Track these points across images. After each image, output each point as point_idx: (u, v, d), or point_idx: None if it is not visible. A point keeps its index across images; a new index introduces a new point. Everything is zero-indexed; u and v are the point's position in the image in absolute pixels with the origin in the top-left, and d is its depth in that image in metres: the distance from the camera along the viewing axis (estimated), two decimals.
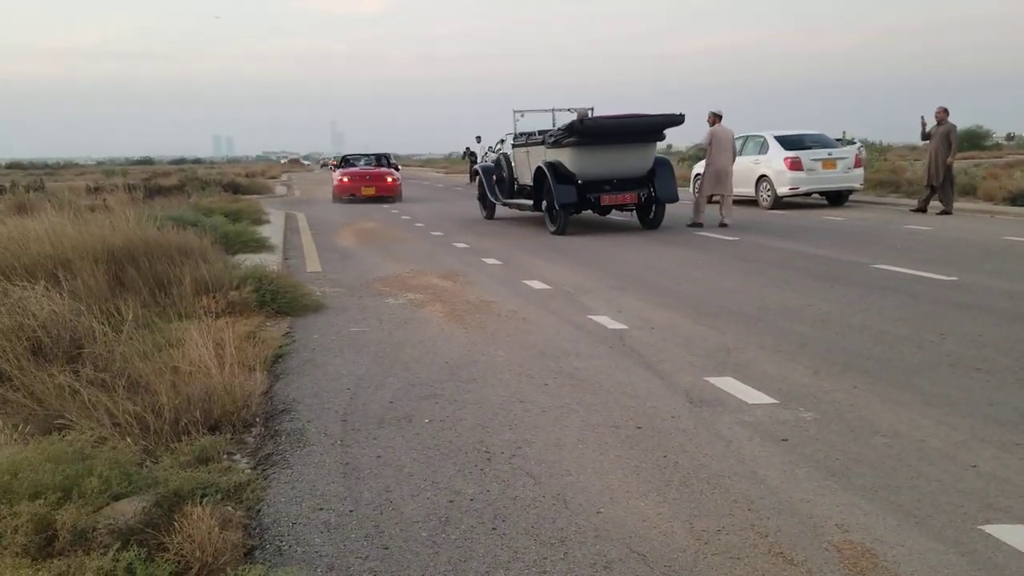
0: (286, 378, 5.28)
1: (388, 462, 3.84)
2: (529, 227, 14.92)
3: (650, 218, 14.07)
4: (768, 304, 7.20)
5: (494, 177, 16.36)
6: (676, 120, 13.34)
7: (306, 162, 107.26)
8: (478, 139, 25.52)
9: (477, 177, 17.60)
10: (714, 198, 14.87)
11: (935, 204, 15.81)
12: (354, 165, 26.74)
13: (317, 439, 4.17)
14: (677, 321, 6.61)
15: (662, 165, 13.72)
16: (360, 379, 5.20)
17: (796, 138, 17.78)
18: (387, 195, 23.86)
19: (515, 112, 16.51)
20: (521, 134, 15.62)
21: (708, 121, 14.31)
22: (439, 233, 14.42)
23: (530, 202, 14.63)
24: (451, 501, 3.39)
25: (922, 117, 15.51)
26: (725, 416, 4.29)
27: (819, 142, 17.87)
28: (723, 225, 13.77)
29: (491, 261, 10.46)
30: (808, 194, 17.69)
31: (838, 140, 20.48)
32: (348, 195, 23.79)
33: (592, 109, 15.66)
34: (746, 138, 18.79)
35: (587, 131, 13.02)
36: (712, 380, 4.92)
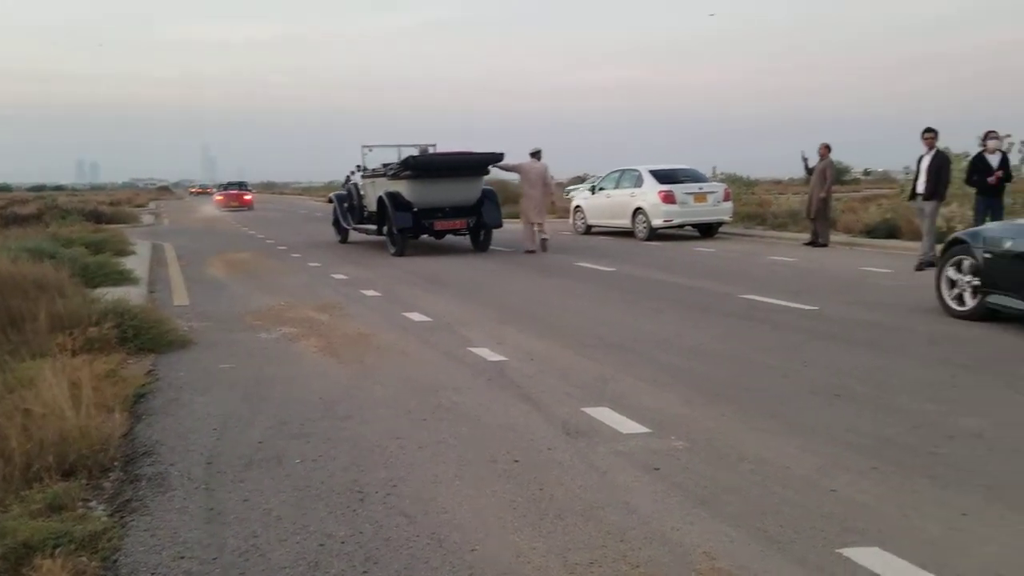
0: (148, 419, 5.02)
1: (255, 506, 3.68)
2: (414, 258, 14.84)
3: (480, 241, 15.92)
4: (644, 334, 7.37)
5: (345, 205, 18.30)
6: (497, 158, 15.56)
7: (202, 187, 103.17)
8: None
9: (332, 204, 19.40)
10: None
11: (804, 235, 16.62)
12: (228, 189, 47.15)
13: (180, 483, 3.97)
14: (556, 352, 6.67)
15: (489, 195, 15.64)
16: (228, 418, 5.00)
17: (669, 172, 18.40)
18: (245, 206, 42.86)
19: (363, 147, 17.94)
20: (385, 165, 16.61)
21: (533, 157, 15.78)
22: (316, 264, 14.15)
23: (375, 227, 16.41)
24: (321, 545, 3.27)
25: (802, 152, 16.21)
26: (600, 447, 4.33)
27: (691, 176, 18.56)
28: (530, 252, 15.19)
29: (370, 293, 10.31)
30: (681, 226, 18.33)
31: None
32: (224, 205, 43.01)
33: (434, 145, 17.40)
34: (622, 172, 19.34)
35: (420, 166, 14.96)
36: (589, 411, 4.96)
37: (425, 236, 15.94)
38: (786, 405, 5.07)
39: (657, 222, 17.64)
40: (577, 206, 20.81)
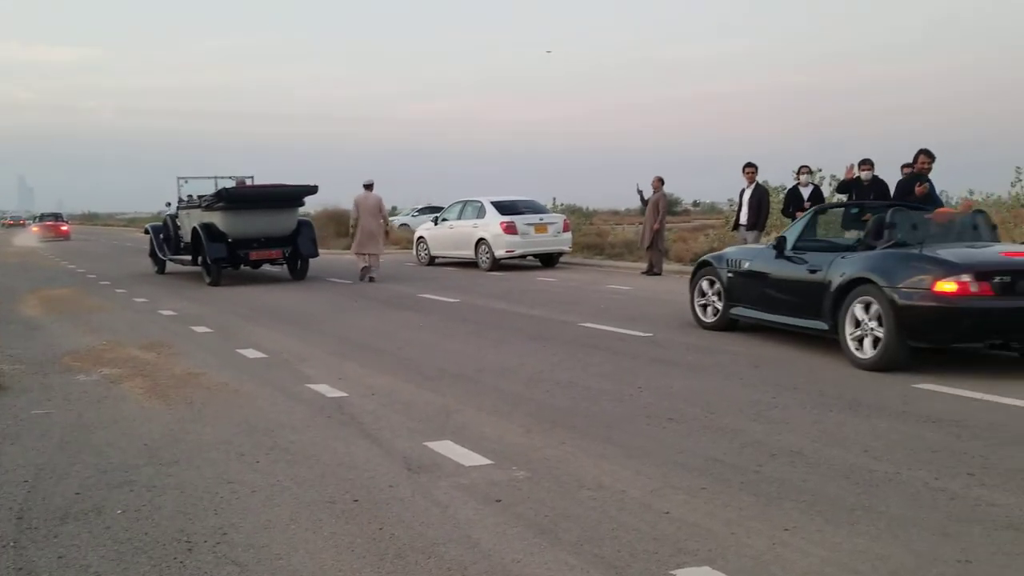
0: None
1: (71, 563, 3.40)
2: (250, 291, 14.33)
3: (298, 270, 16.52)
4: (486, 365, 7.40)
5: (162, 236, 18.55)
6: (311, 190, 16.43)
7: (14, 219, 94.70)
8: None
9: (149, 235, 19.58)
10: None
11: (640, 265, 17.25)
12: (44, 220, 49.40)
13: None
14: (399, 386, 6.59)
15: (305, 226, 16.48)
16: (41, 469, 4.61)
17: (510, 203, 18.73)
18: (62, 236, 44.35)
19: (179, 178, 18.41)
20: (200, 196, 16.92)
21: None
22: (143, 299, 13.40)
23: (190, 257, 16.78)
24: None
25: (637, 185, 16.87)
26: (442, 481, 4.29)
27: (532, 208, 18.96)
28: (371, 280, 15.65)
29: (202, 329, 9.85)
30: (523, 256, 18.66)
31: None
32: (42, 235, 43.85)
33: (252, 177, 18.06)
34: (465, 203, 19.52)
35: (232, 198, 15.52)
36: (431, 444, 4.91)
37: (251, 267, 16.72)
38: (622, 430, 5.21)
39: (500, 252, 17.89)
40: (420, 237, 20.80)
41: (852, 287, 7.16)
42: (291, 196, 16.28)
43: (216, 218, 15.58)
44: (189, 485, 4.32)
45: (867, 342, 6.99)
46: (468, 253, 18.74)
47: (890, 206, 8.20)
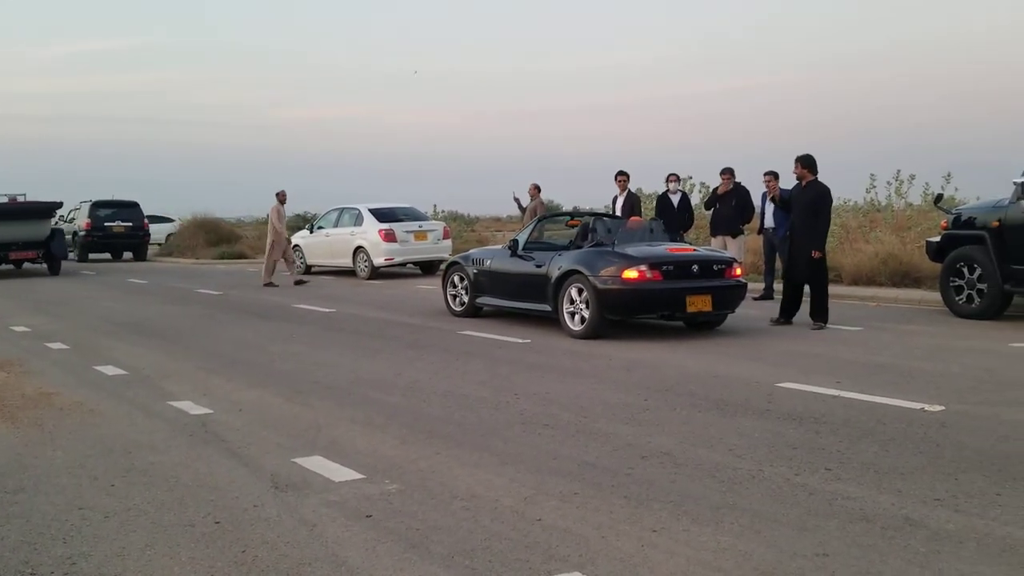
0: None
1: None
2: (112, 305, 13.62)
3: (52, 267, 21.08)
4: (362, 376, 7.26)
5: None
6: (56, 206, 21.75)
7: None
8: None
9: None
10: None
11: None
12: None
13: None
14: (268, 400, 6.37)
15: (57, 232, 21.28)
16: None
17: (389, 211, 18.54)
18: None
19: None
20: None
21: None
22: None
23: None
24: None
25: (513, 193, 17.05)
26: (311, 498, 4.16)
27: (410, 215, 18.82)
28: (278, 284, 16.67)
29: (57, 346, 9.25)
30: (403, 264, 18.48)
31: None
32: None
33: (24, 195, 22.43)
34: (342, 210, 19.17)
35: None
36: (300, 461, 4.76)
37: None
38: (498, 437, 5.19)
39: (379, 261, 17.66)
40: (296, 245, 20.29)
41: (567, 277, 9.24)
42: (40, 210, 20.86)
43: None
44: (36, 513, 4.03)
45: (577, 318, 9.11)
46: (346, 262, 18.42)
47: (593, 215, 11.03)
